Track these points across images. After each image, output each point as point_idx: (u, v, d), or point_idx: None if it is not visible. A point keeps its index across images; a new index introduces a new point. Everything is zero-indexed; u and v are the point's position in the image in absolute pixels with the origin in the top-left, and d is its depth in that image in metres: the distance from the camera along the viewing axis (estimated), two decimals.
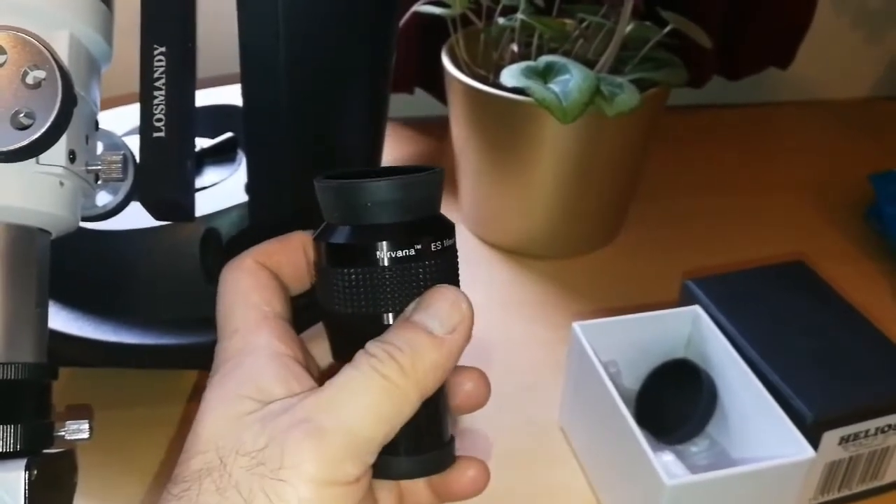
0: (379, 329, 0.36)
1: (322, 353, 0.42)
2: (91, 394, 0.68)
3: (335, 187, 0.37)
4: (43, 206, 0.41)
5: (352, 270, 0.36)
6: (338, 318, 0.38)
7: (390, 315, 0.36)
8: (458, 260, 0.39)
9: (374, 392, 0.34)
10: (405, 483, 0.41)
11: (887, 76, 1.28)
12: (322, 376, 0.39)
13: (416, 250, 0.36)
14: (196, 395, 0.66)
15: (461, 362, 0.38)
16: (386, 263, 0.36)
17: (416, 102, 1.09)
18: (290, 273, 0.40)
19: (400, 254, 0.36)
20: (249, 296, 0.38)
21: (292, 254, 0.40)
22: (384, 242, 0.36)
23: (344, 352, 0.38)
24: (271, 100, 0.58)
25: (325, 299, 0.38)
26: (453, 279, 0.38)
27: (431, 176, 0.37)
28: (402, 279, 0.36)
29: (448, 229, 0.38)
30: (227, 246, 0.63)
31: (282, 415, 0.34)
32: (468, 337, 0.36)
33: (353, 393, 0.34)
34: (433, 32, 0.86)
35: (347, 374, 0.35)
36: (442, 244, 0.37)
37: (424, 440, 0.38)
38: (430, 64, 0.95)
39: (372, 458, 0.34)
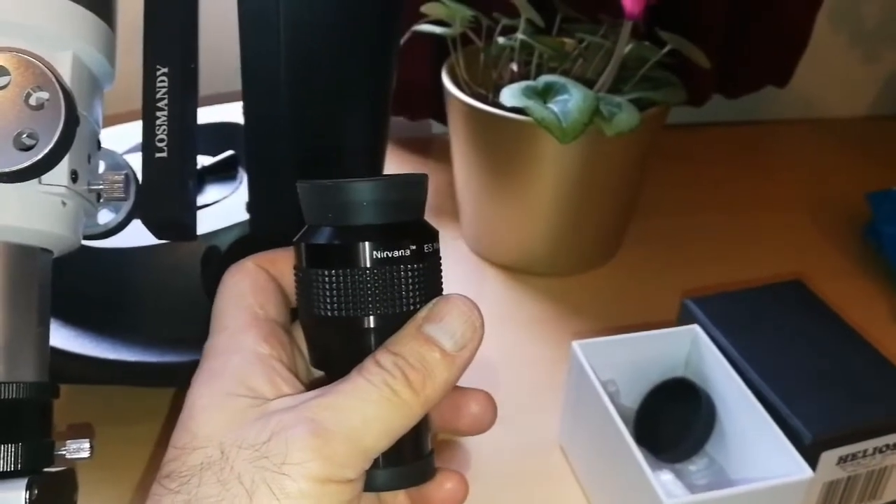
0: (360, 333, 0.36)
1: None
2: (90, 410, 0.68)
3: (317, 187, 0.37)
4: (45, 225, 0.41)
5: (332, 272, 0.35)
6: (317, 323, 0.37)
7: (371, 319, 0.36)
8: (443, 267, 0.38)
9: (383, 406, 0.34)
10: (387, 497, 0.41)
11: (885, 94, 1.29)
12: (313, 383, 0.39)
13: (400, 253, 0.36)
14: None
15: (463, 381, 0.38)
16: (368, 264, 0.35)
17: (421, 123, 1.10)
18: (291, 282, 0.40)
19: (383, 255, 0.35)
20: (244, 297, 0.39)
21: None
22: (366, 243, 0.35)
23: (323, 358, 0.38)
24: (273, 118, 0.58)
25: (305, 303, 0.37)
26: (437, 284, 0.38)
27: (414, 179, 0.37)
28: (385, 282, 0.35)
29: (432, 234, 0.38)
30: (225, 255, 0.63)
31: (285, 412, 0.34)
32: (476, 351, 0.36)
33: (362, 401, 0.34)
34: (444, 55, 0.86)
35: (356, 381, 0.35)
36: (426, 248, 0.37)
37: (405, 452, 0.37)
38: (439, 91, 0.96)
39: (369, 464, 0.35)
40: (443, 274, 0.39)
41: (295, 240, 0.37)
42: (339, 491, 0.34)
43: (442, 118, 1.06)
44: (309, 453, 0.33)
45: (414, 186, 0.37)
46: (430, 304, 0.36)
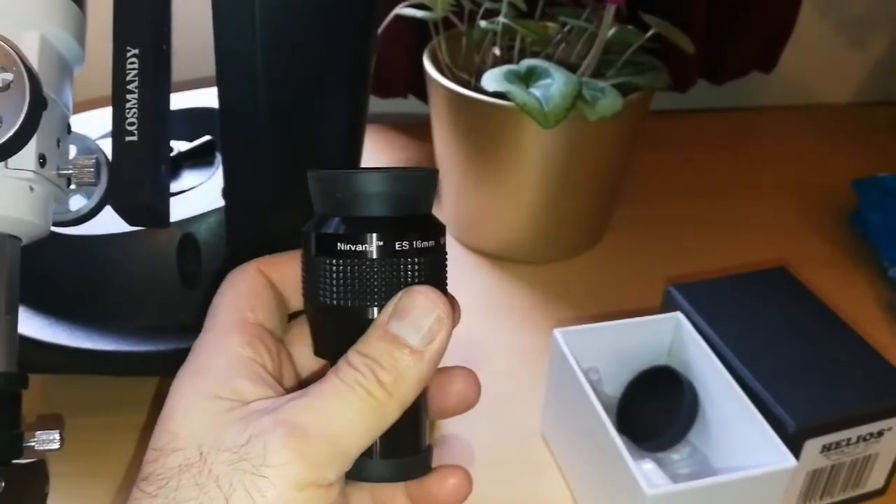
0: (363, 324, 0.36)
1: (304, 359, 0.42)
2: (60, 400, 0.67)
3: (328, 177, 0.37)
4: (12, 211, 0.40)
5: (339, 261, 0.36)
6: (322, 311, 0.37)
7: (375, 310, 0.36)
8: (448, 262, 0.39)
9: (358, 406, 0.34)
10: (383, 497, 0.41)
11: (872, 81, 1.28)
12: (302, 384, 0.39)
13: (407, 245, 0.36)
14: (158, 401, 0.65)
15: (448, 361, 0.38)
16: (375, 256, 0.35)
17: (405, 103, 1.09)
18: (294, 286, 0.40)
19: (390, 247, 0.36)
20: (238, 299, 0.39)
21: (299, 267, 0.39)
22: (374, 234, 0.35)
23: (327, 347, 0.38)
24: (248, 102, 0.57)
25: (311, 291, 0.37)
26: (441, 278, 0.38)
27: (425, 174, 0.38)
28: (390, 273, 0.36)
29: (439, 228, 0.38)
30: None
31: (264, 414, 0.34)
32: (447, 341, 0.36)
33: (338, 402, 0.34)
34: (426, 38, 0.85)
35: (331, 382, 0.35)
36: (433, 242, 0.37)
37: (401, 445, 0.37)
38: (421, 69, 0.95)
39: (348, 465, 0.35)
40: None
41: (303, 228, 0.38)
42: (318, 495, 0.33)
43: (419, 96, 1.06)
44: (287, 455, 0.32)
45: (424, 181, 0.38)
46: (394, 300, 0.36)
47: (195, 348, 0.38)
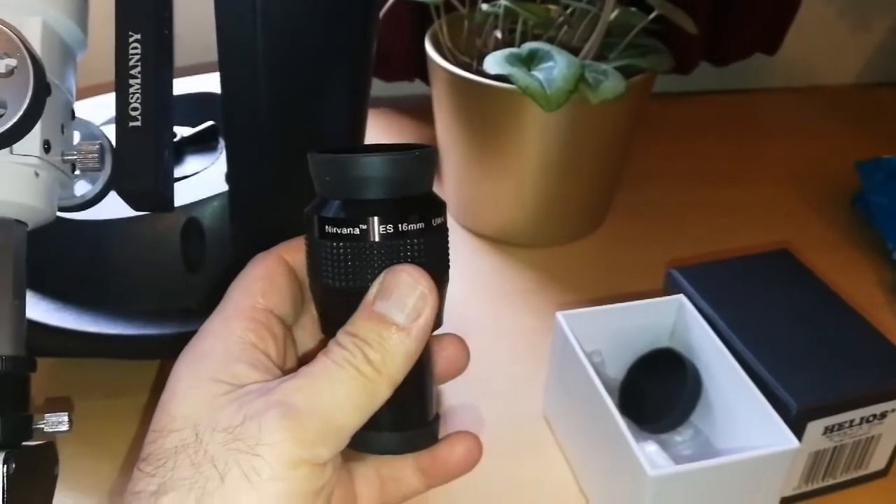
0: None
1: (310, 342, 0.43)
2: (65, 383, 0.68)
3: (329, 160, 0.37)
4: (18, 196, 0.40)
5: (341, 244, 0.36)
6: (326, 291, 0.38)
7: None
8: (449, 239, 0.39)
9: (349, 384, 0.35)
10: (389, 472, 0.42)
11: (875, 63, 1.28)
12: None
13: (408, 227, 0.36)
14: (160, 384, 0.66)
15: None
16: (376, 238, 0.36)
17: (411, 85, 1.09)
18: None
19: (390, 229, 0.36)
20: (251, 284, 0.39)
21: None
22: (374, 217, 0.36)
23: (331, 325, 0.38)
24: (250, 87, 0.57)
25: (314, 272, 0.38)
26: (443, 257, 0.38)
27: (424, 154, 0.38)
28: (391, 255, 0.36)
29: (439, 207, 0.38)
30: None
31: (258, 396, 0.34)
32: (434, 315, 0.36)
33: (329, 381, 0.35)
34: (430, 21, 0.85)
35: (322, 363, 0.35)
36: (432, 222, 0.37)
37: (407, 417, 0.38)
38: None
39: (343, 443, 0.35)
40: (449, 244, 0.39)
41: (306, 210, 0.38)
42: (312, 474, 0.34)
43: (425, 79, 1.05)
44: (280, 434, 0.33)
45: (423, 160, 0.38)
46: (378, 280, 0.36)
47: (201, 331, 0.38)
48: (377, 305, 0.36)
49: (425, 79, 1.06)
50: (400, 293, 0.36)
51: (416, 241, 0.36)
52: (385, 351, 0.35)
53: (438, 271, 0.37)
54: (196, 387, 0.36)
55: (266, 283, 0.39)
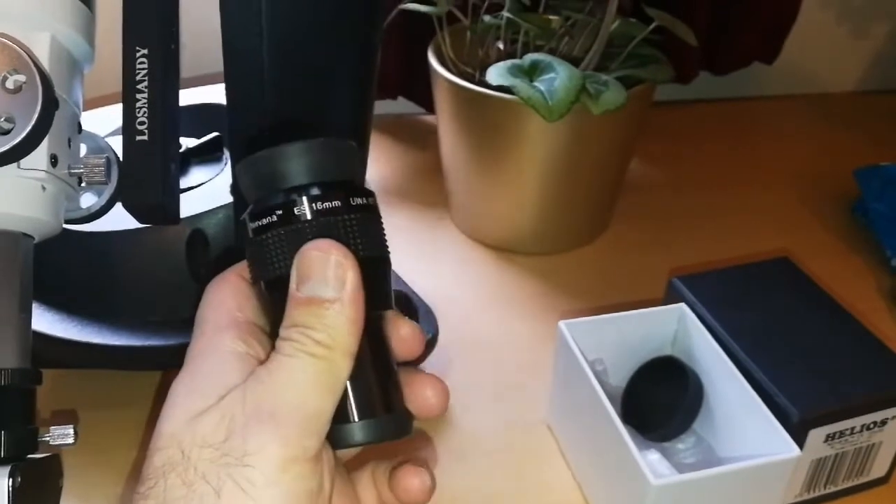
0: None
1: None
2: (70, 394, 0.68)
3: (241, 165, 0.39)
4: (25, 210, 0.41)
5: (273, 233, 0.37)
6: (267, 289, 0.38)
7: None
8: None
9: (307, 369, 0.35)
10: (378, 479, 0.42)
11: (873, 70, 1.28)
12: None
13: (332, 204, 0.37)
14: (161, 394, 0.66)
15: (428, 369, 0.39)
16: (309, 217, 0.37)
17: (399, 103, 1.09)
18: None
19: (316, 207, 0.37)
20: (224, 301, 0.40)
21: None
22: (303, 197, 0.37)
23: (278, 326, 0.38)
24: (255, 99, 0.57)
25: (255, 273, 0.39)
26: (372, 234, 0.39)
27: (337, 143, 0.39)
28: (323, 233, 0.37)
29: (364, 191, 0.39)
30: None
31: (236, 406, 0.35)
32: (359, 277, 0.36)
33: (288, 374, 0.35)
34: (415, 40, 0.86)
35: (276, 360, 0.36)
36: (359, 201, 0.38)
37: (370, 402, 0.38)
38: (411, 71, 0.96)
39: (325, 429, 0.36)
40: (385, 229, 0.40)
41: (236, 220, 0.39)
42: (305, 472, 0.34)
43: (415, 97, 1.06)
44: (265, 438, 0.34)
45: (336, 149, 0.39)
46: (293, 268, 0.37)
47: (188, 355, 0.38)
48: (302, 291, 0.36)
49: (410, 97, 1.07)
50: (316, 270, 0.36)
51: (344, 217, 0.37)
52: (327, 327, 0.35)
53: (369, 248, 0.38)
54: (182, 404, 0.36)
55: (240, 297, 0.40)
